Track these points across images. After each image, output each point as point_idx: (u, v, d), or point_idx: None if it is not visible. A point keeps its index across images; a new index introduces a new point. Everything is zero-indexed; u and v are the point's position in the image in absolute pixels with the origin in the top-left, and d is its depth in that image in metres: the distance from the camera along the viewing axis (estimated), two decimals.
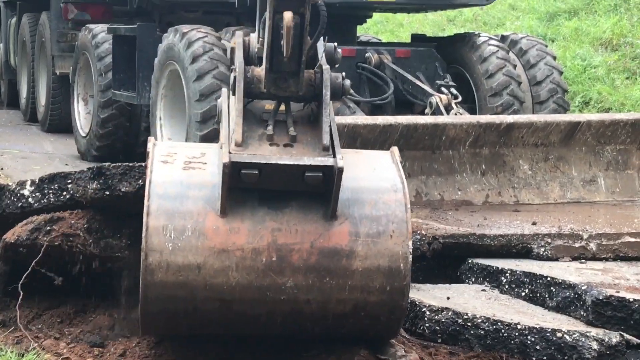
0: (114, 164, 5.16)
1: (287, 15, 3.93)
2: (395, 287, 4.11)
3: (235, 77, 4.18)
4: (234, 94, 4.19)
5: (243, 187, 4.02)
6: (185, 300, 4.11)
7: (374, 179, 4.31)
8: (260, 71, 4.23)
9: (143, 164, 4.90)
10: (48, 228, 5.07)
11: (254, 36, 4.51)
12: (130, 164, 5.11)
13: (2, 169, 9.32)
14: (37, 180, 5.23)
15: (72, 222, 5.12)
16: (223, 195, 3.99)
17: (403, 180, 4.29)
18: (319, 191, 4.08)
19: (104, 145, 10.17)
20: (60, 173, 5.27)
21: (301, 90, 4.21)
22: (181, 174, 4.16)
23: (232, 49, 4.50)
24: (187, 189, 4.11)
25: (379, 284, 4.11)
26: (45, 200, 5.21)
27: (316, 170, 3.99)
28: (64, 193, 5.18)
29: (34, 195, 5.22)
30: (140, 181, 4.96)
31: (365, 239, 4.11)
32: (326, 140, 4.07)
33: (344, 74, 4.35)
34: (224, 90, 4.57)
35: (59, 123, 12.48)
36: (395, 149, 4.56)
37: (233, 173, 3.91)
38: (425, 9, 9.21)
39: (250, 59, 4.37)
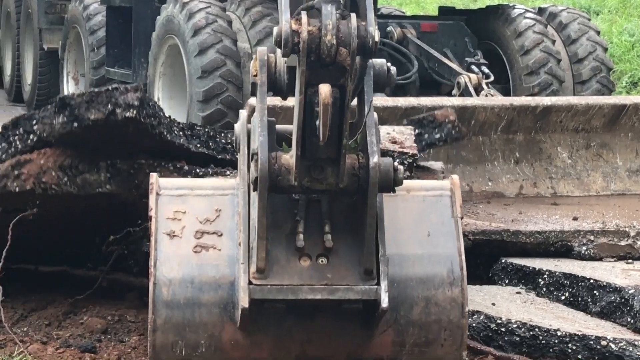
0: (78, 93, 4.92)
1: (325, 90, 3.13)
2: None
3: (257, 169, 3.35)
4: (254, 189, 3.41)
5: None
6: None
7: (426, 260, 3.70)
8: (289, 158, 3.41)
9: (110, 89, 4.67)
10: (16, 172, 4.81)
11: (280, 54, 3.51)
12: (96, 91, 4.76)
13: None
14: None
15: (42, 162, 4.85)
16: (243, 318, 3.52)
17: (462, 258, 3.73)
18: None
19: None
20: (23, 115, 5.07)
21: (342, 182, 3.41)
22: (191, 263, 3.62)
23: (253, 85, 3.64)
24: (200, 291, 3.60)
25: None
26: (12, 149, 4.95)
27: (355, 302, 3.50)
28: (31, 136, 4.93)
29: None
30: (109, 106, 4.65)
31: (411, 349, 3.68)
32: (370, 262, 3.43)
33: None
34: (243, 113, 3.81)
35: (47, 103, 12.07)
36: (455, 182, 3.90)
37: (254, 306, 3.44)
38: None
39: (278, 86, 3.49)
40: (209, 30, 7.53)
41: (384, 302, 3.40)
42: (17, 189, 4.81)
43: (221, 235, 3.65)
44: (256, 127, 3.44)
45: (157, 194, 3.74)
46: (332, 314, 3.60)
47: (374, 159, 3.35)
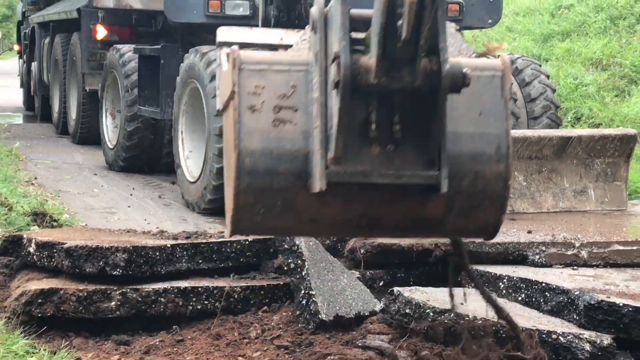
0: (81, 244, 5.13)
1: None
2: None
3: (339, 72, 3.35)
4: (334, 87, 3.40)
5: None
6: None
7: (477, 138, 3.70)
8: (367, 59, 3.41)
9: (104, 248, 4.95)
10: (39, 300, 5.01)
11: None
12: (94, 246, 5.08)
13: (35, 178, 9.36)
14: None
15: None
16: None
17: (509, 137, 3.73)
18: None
19: (130, 157, 10.19)
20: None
21: (417, 81, 3.42)
22: (271, 136, 3.59)
23: (323, 16, 3.58)
24: (278, 162, 3.61)
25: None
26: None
27: (418, 187, 3.60)
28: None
29: None
30: (101, 262, 5.03)
31: (458, 213, 3.78)
32: (433, 153, 3.54)
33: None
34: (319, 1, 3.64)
35: (88, 136, 12.51)
36: (506, 62, 3.82)
37: (329, 187, 3.48)
38: None
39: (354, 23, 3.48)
40: None
41: (444, 188, 3.46)
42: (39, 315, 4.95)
43: (296, 110, 3.62)
44: (338, 30, 3.40)
45: (240, 69, 3.61)
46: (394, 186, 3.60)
47: (447, 62, 3.33)
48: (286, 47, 4.17)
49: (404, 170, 3.54)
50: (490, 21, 9.51)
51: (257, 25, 8.24)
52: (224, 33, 4.23)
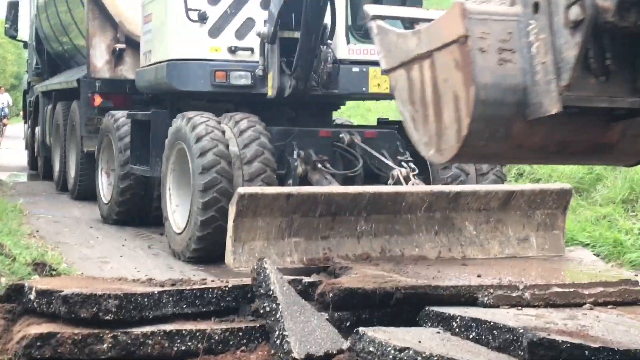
0: (77, 292, 5.06)
1: None
2: None
3: (583, 12, 3.52)
4: (573, 25, 3.57)
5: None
6: None
7: None
8: (602, 1, 3.51)
9: (97, 295, 4.95)
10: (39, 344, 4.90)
11: None
12: (88, 294, 5.04)
13: (37, 231, 9.30)
14: None
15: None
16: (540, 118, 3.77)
17: None
18: None
19: (123, 211, 10.17)
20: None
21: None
22: (497, 73, 3.81)
23: None
24: (504, 94, 3.82)
25: None
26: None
27: (623, 110, 3.88)
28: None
29: None
30: (94, 308, 5.00)
31: (630, 137, 4.08)
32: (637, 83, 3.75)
33: None
34: None
35: (85, 192, 12.48)
36: None
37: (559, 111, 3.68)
38: (390, 98, 9.18)
39: None
40: (208, 138, 7.76)
41: None
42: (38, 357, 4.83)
43: (514, 52, 3.81)
44: None
45: (469, 18, 3.79)
46: (586, 115, 3.87)
47: None
48: (428, 20, 4.42)
49: (617, 96, 3.77)
50: None
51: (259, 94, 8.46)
52: (373, 8, 4.41)
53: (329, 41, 8.35)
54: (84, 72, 12.15)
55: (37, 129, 17.05)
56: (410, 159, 8.33)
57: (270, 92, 8.33)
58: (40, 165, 17.09)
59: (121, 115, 10.34)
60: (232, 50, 8.81)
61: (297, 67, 8.19)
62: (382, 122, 9.78)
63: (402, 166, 8.05)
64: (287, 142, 8.15)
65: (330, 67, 8.38)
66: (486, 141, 3.93)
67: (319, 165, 8.03)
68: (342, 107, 10.92)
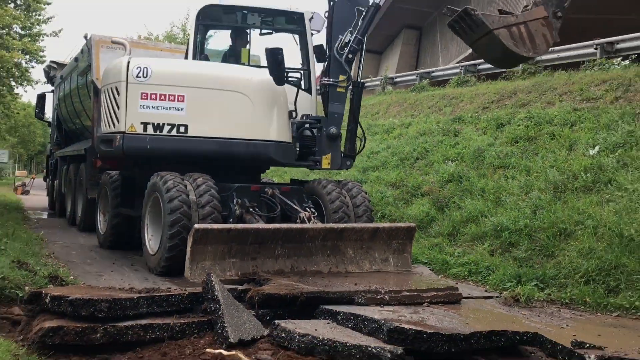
0: (78, 297, 4.82)
1: None
2: None
3: None
4: None
5: None
6: None
7: None
8: None
9: (94, 300, 4.70)
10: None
11: None
12: (86, 299, 4.79)
13: (53, 253, 8.89)
14: None
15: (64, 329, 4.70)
16: None
17: None
18: None
19: (114, 239, 9.82)
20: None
21: None
22: None
23: None
24: None
25: None
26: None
27: None
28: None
29: None
30: (91, 309, 4.78)
31: None
32: None
33: None
34: None
35: (88, 226, 11.98)
36: None
37: None
38: (299, 166, 9.14)
39: None
40: (174, 190, 7.46)
41: None
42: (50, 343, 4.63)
43: None
44: None
45: None
46: None
47: None
48: None
49: None
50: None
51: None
52: None
53: None
54: (89, 144, 11.76)
55: (56, 182, 16.51)
56: (312, 205, 8.24)
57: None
58: (56, 206, 16.40)
59: (115, 173, 10.05)
60: None
61: None
62: (293, 181, 9.67)
63: (305, 210, 7.99)
64: (229, 193, 8.04)
65: None
66: None
67: (251, 210, 7.96)
68: (267, 170, 10.87)
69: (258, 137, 8.07)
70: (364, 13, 8.20)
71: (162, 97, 7.85)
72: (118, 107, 7.95)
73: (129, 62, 7.90)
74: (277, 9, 8.97)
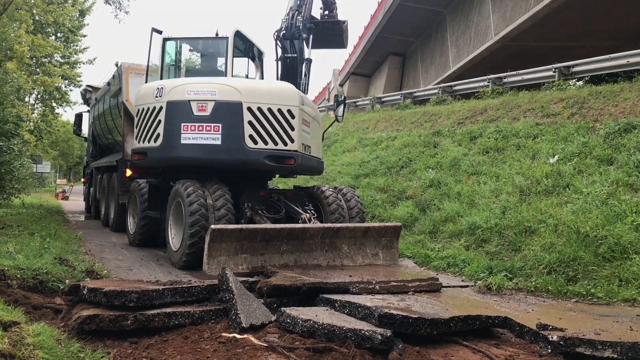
0: (110, 290, 4.69)
1: None
2: None
3: None
4: None
5: None
6: None
7: None
8: None
9: (125, 291, 4.50)
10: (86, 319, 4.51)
11: None
12: (118, 290, 4.62)
13: (89, 250, 8.86)
14: None
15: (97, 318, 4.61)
16: None
17: None
18: None
19: (141, 239, 9.79)
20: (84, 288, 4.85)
21: None
22: None
23: None
24: None
25: None
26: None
27: None
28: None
29: None
30: (123, 299, 4.63)
31: None
32: None
33: None
34: None
35: (119, 227, 11.98)
36: None
37: None
38: (302, 174, 9.12)
39: None
40: (194, 195, 7.48)
41: None
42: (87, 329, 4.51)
43: None
44: None
45: None
46: None
47: None
48: None
49: None
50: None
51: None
52: None
53: None
54: (120, 156, 11.77)
55: (91, 189, 16.46)
56: (312, 208, 8.25)
57: None
58: (92, 210, 16.38)
59: (143, 181, 10.01)
60: None
61: None
62: (296, 187, 9.64)
63: (307, 212, 8.00)
64: (240, 198, 8.05)
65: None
66: None
67: (259, 212, 7.96)
68: (273, 178, 10.87)
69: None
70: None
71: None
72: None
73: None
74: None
